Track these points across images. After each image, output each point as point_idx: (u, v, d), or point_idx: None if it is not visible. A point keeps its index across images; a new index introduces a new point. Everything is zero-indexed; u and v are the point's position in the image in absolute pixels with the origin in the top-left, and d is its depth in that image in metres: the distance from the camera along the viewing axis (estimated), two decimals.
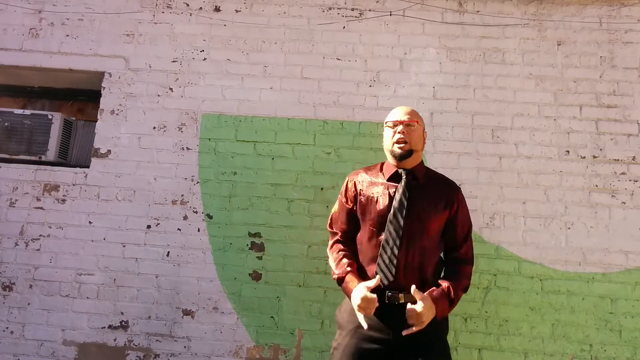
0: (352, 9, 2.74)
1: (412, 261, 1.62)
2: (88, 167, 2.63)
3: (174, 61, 2.72)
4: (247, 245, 2.52)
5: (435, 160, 2.56)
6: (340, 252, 1.74)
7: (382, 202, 1.68)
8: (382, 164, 1.81)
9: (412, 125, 1.71)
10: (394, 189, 1.68)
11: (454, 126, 2.60)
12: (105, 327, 2.46)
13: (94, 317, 2.47)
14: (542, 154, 2.54)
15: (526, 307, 2.39)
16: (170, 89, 2.69)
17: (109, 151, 2.63)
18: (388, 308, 1.59)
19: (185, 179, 2.59)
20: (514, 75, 2.63)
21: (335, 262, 1.73)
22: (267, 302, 2.46)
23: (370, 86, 2.66)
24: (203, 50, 2.72)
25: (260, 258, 2.50)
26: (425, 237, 1.65)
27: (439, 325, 1.64)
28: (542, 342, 2.36)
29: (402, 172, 1.71)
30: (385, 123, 1.76)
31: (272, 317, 2.45)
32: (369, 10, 2.73)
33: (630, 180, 2.49)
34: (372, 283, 1.57)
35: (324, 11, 2.74)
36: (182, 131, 2.64)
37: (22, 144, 2.71)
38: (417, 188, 1.69)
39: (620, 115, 2.56)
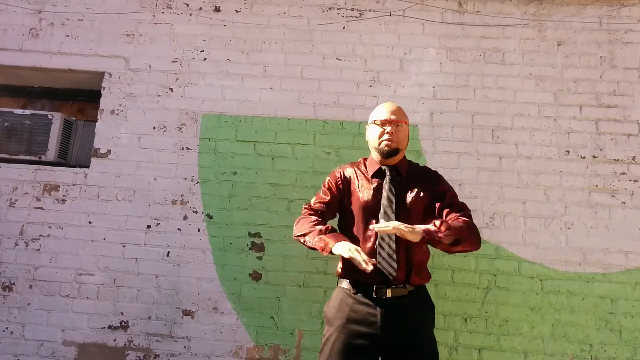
0: (352, 9, 2.74)
1: (404, 254, 1.64)
2: (88, 167, 2.63)
3: (174, 61, 2.72)
4: (247, 245, 2.52)
5: (435, 160, 2.56)
6: (311, 219, 1.69)
7: (367, 197, 1.70)
8: (365, 160, 1.83)
9: (400, 125, 1.74)
10: (378, 184, 1.71)
11: (454, 126, 2.60)
12: (105, 327, 2.46)
13: (93, 317, 2.47)
14: (542, 154, 2.54)
15: (526, 307, 2.39)
16: (170, 89, 2.69)
17: (109, 151, 2.63)
18: (376, 302, 1.61)
19: (185, 179, 2.59)
20: (514, 76, 2.63)
21: (308, 226, 1.66)
22: (267, 302, 2.46)
23: (370, 86, 2.66)
24: (203, 51, 2.72)
25: (260, 258, 2.50)
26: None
27: (426, 319, 1.68)
28: (542, 342, 2.36)
29: (386, 168, 1.73)
30: (373, 121, 1.77)
31: (272, 317, 2.45)
32: (369, 11, 2.74)
33: (630, 180, 2.49)
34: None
35: (324, 11, 2.74)
36: (182, 131, 2.64)
37: (22, 144, 2.71)
38: (402, 182, 1.72)
39: (620, 115, 2.56)
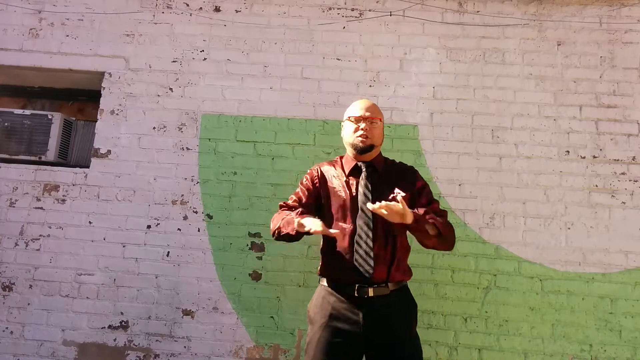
0: (352, 9, 2.74)
1: (384, 252, 1.64)
2: (88, 167, 2.63)
3: (174, 61, 2.72)
4: (247, 245, 2.52)
5: (435, 160, 2.56)
6: (285, 212, 1.71)
7: (344, 194, 1.71)
8: (341, 158, 1.84)
9: (375, 122, 1.74)
10: (355, 182, 1.72)
11: (454, 126, 2.60)
12: (105, 327, 2.46)
13: (94, 317, 2.47)
14: (542, 154, 2.54)
15: (526, 307, 2.39)
16: (170, 89, 2.69)
17: (109, 151, 2.63)
18: (358, 301, 1.61)
19: (185, 179, 2.59)
20: (514, 76, 2.63)
21: (280, 217, 1.68)
22: (267, 302, 2.46)
23: (370, 86, 2.66)
24: (203, 50, 2.72)
25: (260, 258, 2.50)
26: (390, 223, 1.63)
27: (409, 319, 1.69)
28: (542, 342, 2.36)
29: (362, 165, 1.74)
30: (348, 118, 1.78)
31: (272, 317, 2.45)
32: (369, 11, 2.73)
33: (630, 180, 2.49)
34: (333, 231, 1.53)
35: (324, 11, 2.74)
36: (182, 131, 2.64)
37: (22, 144, 2.71)
38: (378, 178, 1.73)
39: (620, 115, 2.56)
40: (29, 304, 2.49)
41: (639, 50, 2.63)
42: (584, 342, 2.35)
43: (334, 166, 1.82)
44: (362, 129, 1.72)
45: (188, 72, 2.70)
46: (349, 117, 1.77)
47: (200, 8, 2.77)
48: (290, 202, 1.79)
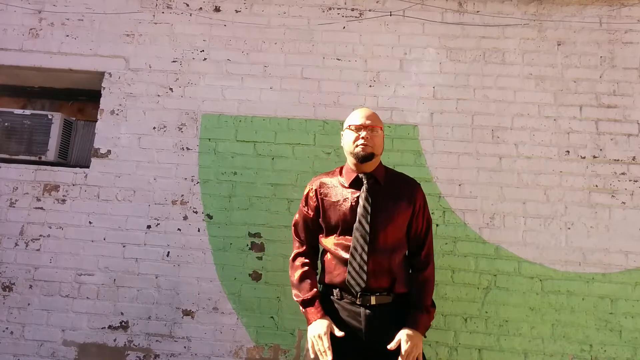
0: (352, 9, 2.74)
1: (380, 264, 1.64)
2: (88, 167, 2.63)
3: (174, 61, 2.72)
4: (247, 245, 2.52)
5: (435, 160, 2.56)
6: (303, 267, 1.75)
7: (345, 208, 1.69)
8: (341, 168, 1.81)
9: (375, 130, 1.72)
10: (356, 194, 1.70)
11: (454, 126, 2.60)
12: (105, 328, 2.46)
13: (94, 317, 2.47)
14: (542, 154, 2.54)
15: (526, 307, 2.39)
16: (170, 89, 2.69)
17: (109, 151, 2.63)
18: (360, 309, 1.62)
19: (185, 179, 2.59)
20: (514, 76, 2.63)
21: (297, 278, 1.73)
22: (267, 303, 2.46)
23: (370, 86, 2.66)
24: (203, 51, 2.72)
25: (260, 258, 2.50)
26: (391, 236, 1.66)
27: None
28: (542, 343, 2.36)
29: (363, 176, 1.72)
30: (348, 126, 1.74)
31: (272, 317, 2.45)
32: (369, 11, 2.73)
33: (630, 181, 2.49)
34: (337, 332, 1.59)
35: (324, 11, 2.74)
36: (182, 131, 2.64)
37: (22, 144, 2.71)
38: (379, 190, 1.71)
39: (620, 115, 2.56)
40: (29, 304, 2.49)
41: (639, 50, 2.63)
42: (584, 342, 2.35)
43: (333, 178, 1.79)
44: (362, 137, 1.69)
45: (188, 72, 2.70)
46: (349, 126, 1.74)
47: (200, 8, 2.77)
48: (299, 233, 1.81)
